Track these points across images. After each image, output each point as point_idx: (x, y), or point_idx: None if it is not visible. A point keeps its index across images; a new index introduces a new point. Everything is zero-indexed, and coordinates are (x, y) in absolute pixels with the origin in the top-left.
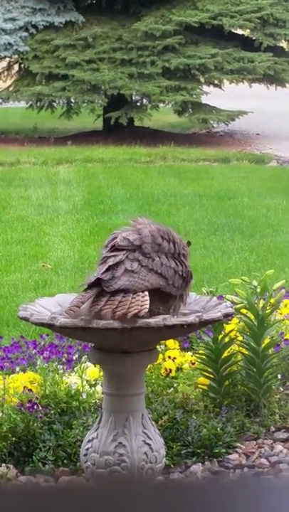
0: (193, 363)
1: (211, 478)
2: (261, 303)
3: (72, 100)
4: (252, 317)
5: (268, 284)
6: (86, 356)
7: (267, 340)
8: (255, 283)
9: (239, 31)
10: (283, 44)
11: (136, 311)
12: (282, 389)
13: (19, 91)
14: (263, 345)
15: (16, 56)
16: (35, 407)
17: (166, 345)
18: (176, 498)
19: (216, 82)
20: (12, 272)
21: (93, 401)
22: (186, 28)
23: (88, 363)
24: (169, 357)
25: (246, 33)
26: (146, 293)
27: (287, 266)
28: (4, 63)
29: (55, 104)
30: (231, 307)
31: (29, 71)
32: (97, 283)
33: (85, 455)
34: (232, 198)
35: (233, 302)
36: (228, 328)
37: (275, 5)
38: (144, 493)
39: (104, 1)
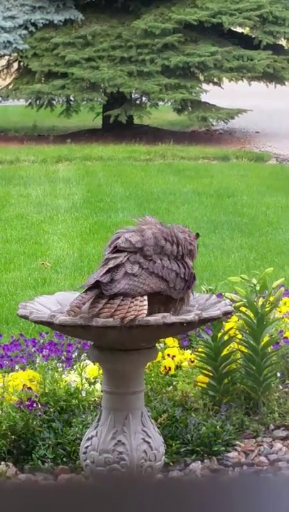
0: (193, 361)
1: (211, 476)
2: (260, 301)
3: (72, 98)
4: (251, 315)
5: (268, 282)
6: (85, 354)
7: (266, 338)
8: (254, 281)
9: (238, 29)
10: (283, 42)
11: (133, 316)
12: (281, 387)
13: (18, 89)
14: (262, 343)
15: (16, 54)
16: (35, 405)
17: (165, 343)
18: (175, 496)
19: (215, 80)
20: (11, 270)
21: (92, 399)
22: (186, 26)
23: (87, 361)
24: (169, 355)
25: (246, 31)
26: (146, 297)
27: (287, 264)
28: (4, 61)
29: (54, 102)
30: (230, 305)
31: (28, 69)
32: (97, 285)
33: (85, 453)
34: (231, 196)
35: (232, 300)
36: (227, 326)
37: (275, 3)
38: (143, 491)
39: None
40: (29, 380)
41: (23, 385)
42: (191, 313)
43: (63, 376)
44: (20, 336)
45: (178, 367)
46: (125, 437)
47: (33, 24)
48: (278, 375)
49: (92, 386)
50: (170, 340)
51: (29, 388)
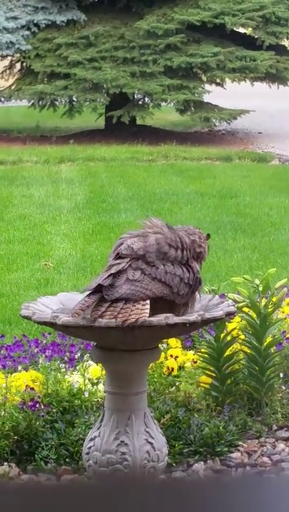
0: (196, 362)
1: (213, 477)
2: (263, 301)
3: (75, 99)
4: (254, 316)
5: (270, 283)
6: (88, 355)
7: (269, 339)
8: (257, 281)
9: (241, 30)
10: (285, 43)
11: (133, 319)
12: (284, 387)
13: (21, 90)
14: (265, 344)
15: (18, 55)
16: (38, 405)
17: (168, 344)
18: (178, 497)
19: (218, 80)
20: (14, 271)
21: (95, 400)
22: (188, 26)
23: (90, 362)
24: (171, 355)
25: (248, 31)
26: (148, 301)
27: None
28: (6, 62)
29: (57, 103)
30: (233, 306)
31: (31, 70)
32: (99, 289)
33: (87, 454)
34: (234, 196)
35: (235, 301)
36: (230, 326)
37: (277, 3)
38: (145, 492)
39: None
40: (32, 380)
41: (26, 386)
42: (193, 314)
43: (66, 377)
44: (23, 337)
45: (181, 367)
46: (128, 438)
47: (36, 25)
48: (281, 375)
49: (95, 387)
50: (173, 341)
51: (32, 389)
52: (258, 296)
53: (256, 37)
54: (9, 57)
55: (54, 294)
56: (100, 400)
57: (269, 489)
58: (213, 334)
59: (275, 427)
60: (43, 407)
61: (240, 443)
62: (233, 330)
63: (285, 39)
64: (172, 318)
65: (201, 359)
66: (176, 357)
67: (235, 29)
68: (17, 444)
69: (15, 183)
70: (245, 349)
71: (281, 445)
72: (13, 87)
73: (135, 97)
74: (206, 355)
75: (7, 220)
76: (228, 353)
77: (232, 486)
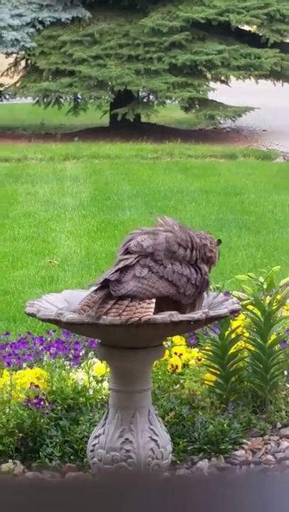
0: (200, 359)
1: (217, 475)
2: (268, 299)
3: (79, 96)
4: (258, 313)
5: (275, 281)
6: (93, 352)
7: (273, 337)
8: (261, 279)
9: (246, 27)
10: None
11: (137, 317)
12: (288, 385)
13: (26, 87)
14: (270, 342)
15: (23, 52)
16: (42, 403)
17: (172, 342)
18: (182, 494)
19: (222, 78)
20: (19, 268)
21: (100, 397)
22: (193, 24)
23: (95, 359)
24: (176, 353)
25: (253, 29)
26: (154, 300)
27: None
28: (11, 59)
29: (62, 100)
30: (238, 303)
31: (36, 67)
32: (106, 285)
33: (92, 451)
34: (238, 194)
35: (239, 298)
36: (234, 324)
37: (282, 1)
38: (150, 489)
39: None
40: (36, 378)
41: (31, 383)
42: (198, 312)
43: (71, 374)
44: (28, 334)
45: (185, 365)
46: (132, 435)
47: (41, 22)
48: (285, 373)
49: (100, 384)
50: (177, 339)
51: (36, 386)
52: (263, 293)
53: (261, 34)
54: (14, 55)
55: (59, 292)
56: (104, 397)
57: (273, 487)
58: (217, 332)
59: (279, 425)
60: (47, 404)
61: (245, 441)
62: (237, 328)
63: None
64: (176, 316)
65: (206, 357)
66: (181, 354)
67: (239, 27)
68: (22, 442)
69: (20, 180)
70: (250, 347)
71: (285, 443)
72: (18, 85)
73: (140, 94)
74: (210, 353)
75: (12, 217)
76: (232, 350)
77: (236, 484)
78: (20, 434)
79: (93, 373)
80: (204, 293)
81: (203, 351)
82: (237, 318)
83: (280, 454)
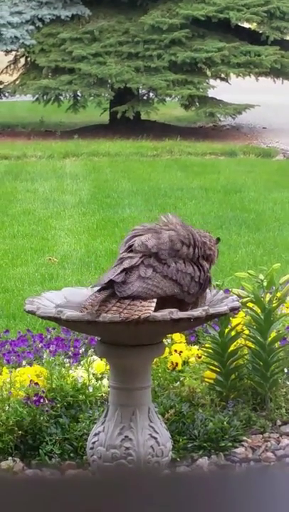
0: (200, 357)
1: (217, 472)
2: (268, 297)
3: (79, 94)
4: (258, 311)
5: (275, 278)
6: (92, 350)
7: (273, 334)
8: (261, 277)
9: (246, 25)
10: None
11: (137, 316)
12: (288, 383)
13: (26, 84)
14: (270, 339)
15: (23, 49)
16: (42, 400)
17: (172, 339)
18: (182, 492)
19: (222, 75)
20: (18, 266)
21: (99, 395)
22: (193, 21)
23: (95, 357)
24: (176, 351)
25: (253, 26)
26: (155, 300)
27: None
28: (11, 57)
29: (61, 98)
30: (238, 301)
31: (36, 64)
32: (110, 285)
33: (92, 449)
34: (238, 191)
35: (239, 296)
36: (234, 321)
37: None
38: (150, 487)
39: None
40: (36, 375)
41: (30, 381)
42: (198, 309)
43: (70, 372)
44: (28, 332)
45: (185, 362)
46: (132, 433)
47: (40, 20)
48: (285, 370)
49: (99, 382)
50: (177, 336)
51: (36, 384)
52: (263, 291)
53: (261, 32)
54: (14, 52)
55: (58, 289)
56: (104, 394)
57: (273, 484)
58: (217, 329)
59: (279, 422)
60: (47, 401)
61: (245, 438)
62: (237, 325)
63: None
64: (176, 313)
65: (206, 354)
66: (181, 352)
67: (240, 24)
68: (21, 439)
69: (19, 178)
70: (250, 344)
71: (285, 440)
72: (17, 82)
73: (140, 92)
74: (210, 350)
75: (11, 214)
76: (232, 348)
77: (236, 481)
78: (20, 432)
79: (93, 371)
80: (207, 291)
81: (203, 349)
82: (237, 315)
83: (280, 451)
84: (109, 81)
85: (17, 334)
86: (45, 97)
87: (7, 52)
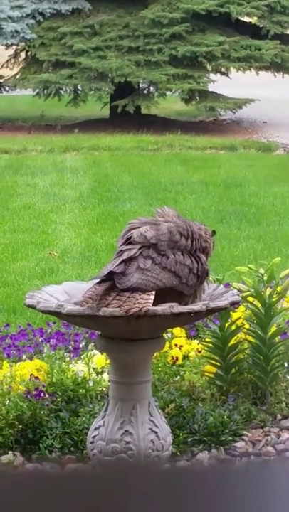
0: (200, 351)
1: (217, 466)
2: (268, 291)
3: (79, 88)
4: (259, 305)
5: (275, 272)
6: (93, 344)
7: (274, 328)
8: (262, 271)
9: (246, 19)
10: None
11: (137, 309)
12: (288, 377)
13: (26, 78)
14: (270, 333)
15: (23, 44)
16: (42, 394)
17: (172, 333)
18: (182, 486)
19: (223, 70)
20: (19, 260)
21: (100, 389)
22: (193, 15)
23: (95, 351)
24: (176, 345)
25: (253, 20)
26: (153, 292)
27: None
28: (11, 51)
29: (62, 92)
30: (238, 295)
31: (36, 58)
32: (110, 277)
33: (92, 443)
34: (239, 186)
35: (239, 290)
36: (234, 316)
37: None
38: (150, 481)
39: None
40: (36, 369)
41: (31, 375)
42: (198, 303)
43: (71, 366)
44: (28, 326)
45: (185, 357)
46: (132, 427)
47: (41, 14)
48: (286, 365)
49: (100, 376)
50: (177, 330)
51: (36, 378)
52: (263, 285)
53: (261, 26)
54: (14, 46)
55: (59, 283)
56: (104, 389)
57: (273, 479)
58: (217, 323)
59: (279, 417)
60: (47, 396)
61: (245, 432)
62: (237, 319)
63: None
64: (177, 308)
65: (206, 348)
66: (181, 346)
67: (240, 18)
68: (21, 433)
69: (19, 172)
70: (250, 338)
71: (285, 434)
72: (17, 76)
73: (140, 86)
74: (210, 345)
75: (12, 209)
76: (232, 342)
77: (236, 476)
78: (20, 426)
79: (93, 365)
80: (205, 283)
81: (204, 343)
82: (237, 309)
83: (281, 445)
84: (110, 75)
85: (17, 328)
86: (45, 91)
87: (7, 46)
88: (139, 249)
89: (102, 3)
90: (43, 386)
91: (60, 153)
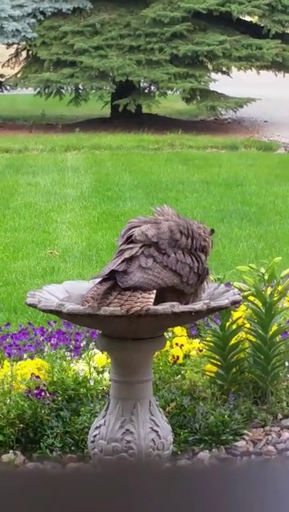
0: (201, 350)
1: (218, 465)
2: (269, 290)
3: (81, 87)
4: (259, 304)
5: (276, 272)
6: (94, 343)
7: (274, 328)
8: (262, 270)
9: (247, 18)
10: None
11: (138, 308)
12: None
13: (27, 78)
14: (271, 333)
15: (24, 43)
16: (43, 393)
17: (173, 332)
18: (182, 485)
19: (224, 69)
20: (20, 259)
21: (101, 388)
22: (195, 14)
23: (96, 350)
24: (177, 344)
25: (254, 19)
26: (154, 291)
27: None
28: (12, 50)
29: (63, 91)
30: (239, 294)
31: (37, 58)
32: (112, 276)
33: (93, 442)
34: (240, 185)
35: (240, 289)
36: (235, 315)
37: None
38: (151, 480)
39: None
40: (37, 368)
41: (32, 374)
42: (199, 303)
43: (71, 365)
44: (29, 325)
45: (186, 356)
46: (133, 426)
47: (42, 13)
48: (286, 364)
49: (101, 375)
50: (178, 330)
51: (37, 377)
52: (264, 284)
53: (262, 25)
54: (15, 45)
55: (59, 282)
56: (105, 388)
57: (274, 478)
58: (218, 323)
59: (280, 416)
60: (48, 395)
61: (246, 431)
62: (238, 319)
63: None
64: (178, 307)
65: (207, 348)
66: (182, 345)
67: (241, 17)
68: (22, 432)
69: (21, 171)
70: (251, 338)
71: (286, 434)
72: (19, 75)
73: (141, 85)
74: (211, 344)
75: (13, 208)
76: (233, 341)
77: (237, 475)
78: (21, 425)
79: (94, 364)
80: (205, 282)
81: (205, 342)
82: (238, 309)
83: (281, 444)
84: (111, 74)
85: (18, 327)
86: (46, 90)
87: (9, 45)
88: (141, 247)
89: (103, 2)
90: (44, 385)
91: (61, 153)
